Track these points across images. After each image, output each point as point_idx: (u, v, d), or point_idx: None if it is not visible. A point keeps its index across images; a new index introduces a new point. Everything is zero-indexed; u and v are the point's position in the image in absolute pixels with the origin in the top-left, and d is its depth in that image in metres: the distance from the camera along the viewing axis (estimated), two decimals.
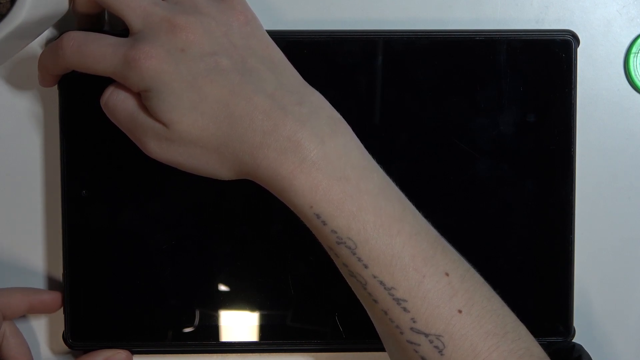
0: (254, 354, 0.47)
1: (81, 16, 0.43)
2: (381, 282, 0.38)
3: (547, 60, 0.45)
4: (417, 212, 0.40)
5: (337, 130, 0.39)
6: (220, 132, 0.38)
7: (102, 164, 0.45)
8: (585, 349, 0.44)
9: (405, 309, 0.38)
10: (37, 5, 0.40)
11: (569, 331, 0.46)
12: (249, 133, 0.38)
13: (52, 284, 0.47)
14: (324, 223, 0.38)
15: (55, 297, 0.46)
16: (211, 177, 0.40)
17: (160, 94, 0.38)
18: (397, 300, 0.38)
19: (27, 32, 0.42)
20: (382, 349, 0.41)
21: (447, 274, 0.38)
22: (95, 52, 0.39)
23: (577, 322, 0.46)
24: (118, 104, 0.40)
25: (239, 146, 0.38)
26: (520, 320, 0.40)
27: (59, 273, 0.47)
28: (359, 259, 0.38)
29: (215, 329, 0.46)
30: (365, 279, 0.38)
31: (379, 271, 0.38)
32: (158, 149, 0.39)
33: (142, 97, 0.39)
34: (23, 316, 0.47)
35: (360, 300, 0.40)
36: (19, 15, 0.39)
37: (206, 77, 0.38)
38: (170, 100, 0.38)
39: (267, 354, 0.47)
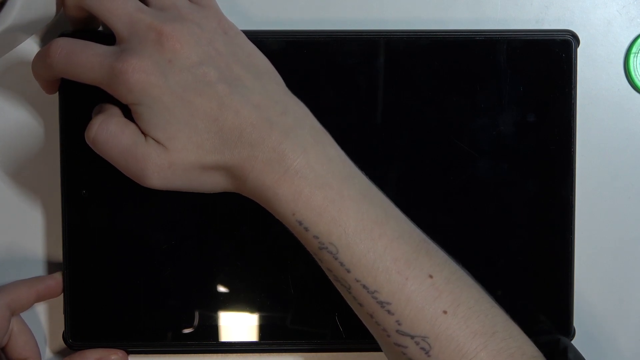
0: (254, 354, 0.47)
1: (74, 18, 0.43)
2: (364, 286, 0.38)
3: (547, 60, 0.45)
4: (401, 215, 0.40)
5: (319, 139, 0.39)
6: (213, 148, 0.38)
7: (102, 164, 0.45)
8: (586, 348, 0.44)
9: (389, 312, 0.38)
10: (25, 10, 0.40)
11: (569, 331, 0.46)
12: (239, 146, 0.38)
13: None
14: (307, 229, 0.38)
15: (58, 279, 0.46)
16: (205, 192, 0.40)
17: (151, 109, 0.38)
18: (381, 303, 0.38)
19: (15, 36, 0.42)
20: (382, 349, 0.41)
21: (430, 276, 0.38)
22: (82, 61, 0.39)
23: (577, 322, 0.46)
24: (109, 139, 0.39)
25: (230, 160, 0.38)
26: (520, 320, 0.40)
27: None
28: (341, 264, 0.38)
29: (215, 329, 0.46)
30: (348, 283, 0.39)
31: (361, 275, 0.38)
32: (159, 178, 0.39)
33: (132, 112, 0.39)
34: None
35: (349, 304, 0.40)
36: (7, 19, 0.39)
37: (195, 90, 0.38)
38: (164, 115, 0.38)
39: (267, 354, 0.47)
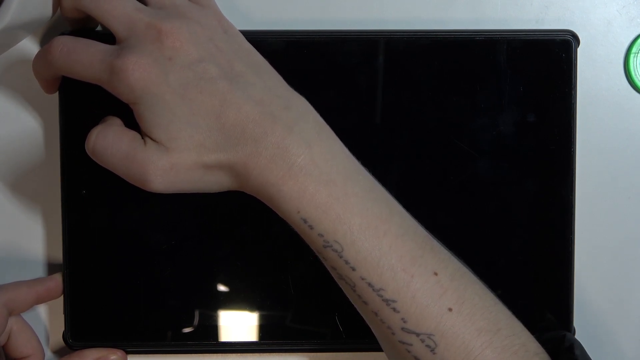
0: (253, 354, 0.47)
1: (71, 19, 0.43)
2: (369, 284, 0.38)
3: (547, 60, 0.45)
4: (405, 212, 0.40)
5: (323, 133, 0.39)
6: (216, 146, 0.38)
7: None
8: (586, 348, 0.44)
9: (395, 310, 0.38)
10: (22, 10, 0.40)
11: (569, 331, 0.46)
12: (241, 143, 0.38)
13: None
14: (311, 227, 0.38)
15: (58, 281, 0.46)
16: (209, 192, 0.40)
17: (153, 108, 0.38)
18: (387, 301, 0.38)
19: (12, 35, 0.42)
20: (382, 349, 0.41)
21: (435, 273, 0.38)
22: (83, 59, 0.39)
23: (577, 321, 0.46)
24: (108, 147, 0.39)
25: (233, 158, 0.38)
26: (520, 319, 0.40)
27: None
28: (346, 262, 0.38)
29: (214, 329, 0.46)
30: (353, 281, 0.38)
31: (366, 273, 0.38)
32: (162, 182, 0.39)
33: (134, 112, 0.39)
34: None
35: (352, 302, 0.40)
36: (3, 19, 0.39)
37: (196, 87, 0.38)
38: (166, 115, 0.38)
39: (267, 354, 0.47)
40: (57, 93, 0.44)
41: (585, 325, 0.47)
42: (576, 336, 0.46)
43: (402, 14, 0.47)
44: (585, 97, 0.47)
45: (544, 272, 0.46)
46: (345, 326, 0.46)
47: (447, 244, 0.41)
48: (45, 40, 0.46)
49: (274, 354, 0.47)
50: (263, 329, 0.46)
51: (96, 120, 0.42)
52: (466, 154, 0.45)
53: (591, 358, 0.41)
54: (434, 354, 0.38)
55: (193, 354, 0.47)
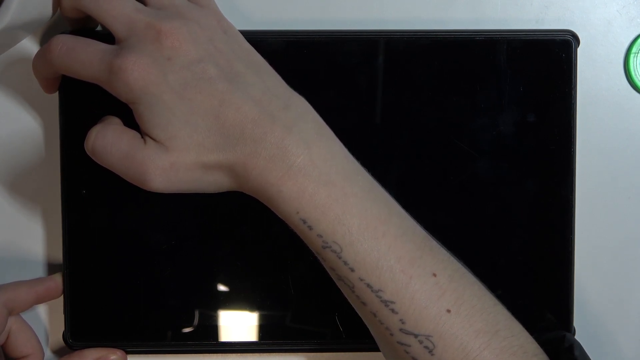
0: (253, 354, 0.47)
1: (71, 19, 0.43)
2: (368, 285, 0.38)
3: (547, 60, 0.45)
4: (404, 212, 0.40)
5: (322, 134, 0.39)
6: (215, 146, 0.38)
7: None
8: (586, 348, 0.44)
9: (393, 311, 0.38)
10: (21, 11, 0.40)
11: (569, 331, 0.46)
12: (241, 143, 0.38)
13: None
14: (310, 228, 0.38)
15: (58, 281, 0.46)
16: (209, 192, 0.40)
17: (151, 107, 0.38)
18: (385, 302, 0.38)
19: (12, 35, 0.42)
20: (380, 349, 0.41)
21: (434, 274, 0.38)
22: (82, 58, 0.39)
23: (577, 321, 0.46)
24: (107, 146, 0.39)
25: (232, 158, 0.38)
26: (520, 319, 0.40)
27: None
28: (345, 263, 0.38)
29: (214, 329, 0.46)
30: (352, 282, 0.38)
31: (365, 274, 0.38)
32: (162, 181, 0.39)
33: (133, 111, 0.39)
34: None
35: (351, 303, 0.40)
36: (3, 20, 0.39)
37: (195, 87, 0.38)
38: (165, 114, 0.38)
39: (267, 354, 0.47)
40: (57, 93, 0.44)
41: (585, 325, 0.47)
42: (576, 336, 0.46)
43: (402, 14, 0.47)
44: (585, 97, 0.47)
45: (544, 272, 0.46)
46: (345, 326, 0.46)
47: (447, 244, 0.41)
48: (45, 40, 0.46)
49: (274, 354, 0.47)
50: (263, 329, 0.46)
51: (96, 120, 0.42)
52: (466, 154, 0.45)
53: (591, 358, 0.41)
54: (432, 355, 0.38)
55: (193, 354, 0.47)
